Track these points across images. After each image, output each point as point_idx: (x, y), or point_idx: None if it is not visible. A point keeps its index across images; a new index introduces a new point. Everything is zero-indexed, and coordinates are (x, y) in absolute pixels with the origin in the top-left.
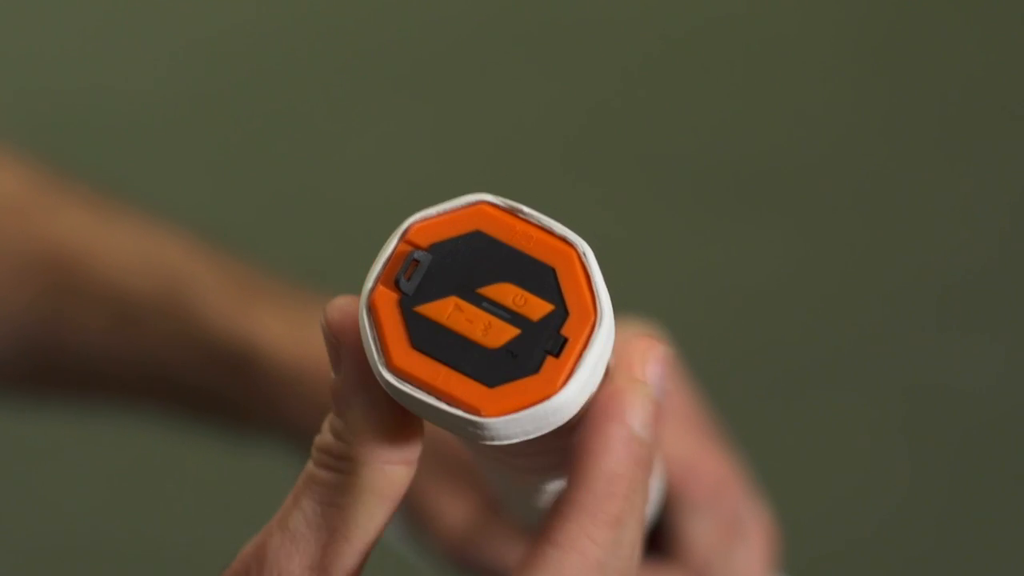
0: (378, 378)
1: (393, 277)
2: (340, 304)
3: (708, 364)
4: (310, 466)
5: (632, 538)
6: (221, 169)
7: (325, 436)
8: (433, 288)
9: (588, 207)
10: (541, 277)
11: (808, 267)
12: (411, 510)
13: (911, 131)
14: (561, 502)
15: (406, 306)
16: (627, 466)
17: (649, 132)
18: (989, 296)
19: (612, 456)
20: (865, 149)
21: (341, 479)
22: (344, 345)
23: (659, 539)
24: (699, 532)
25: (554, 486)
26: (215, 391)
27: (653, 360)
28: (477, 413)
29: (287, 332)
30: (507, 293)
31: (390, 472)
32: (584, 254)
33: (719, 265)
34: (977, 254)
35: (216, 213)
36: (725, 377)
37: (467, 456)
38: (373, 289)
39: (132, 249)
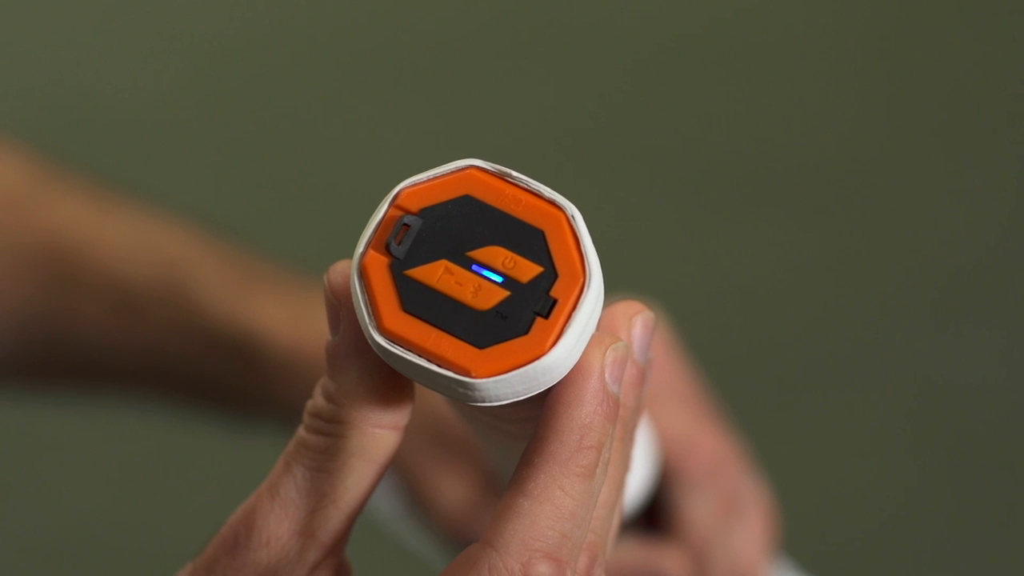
0: (369, 341)
1: (384, 242)
2: (341, 268)
3: (712, 361)
4: (301, 432)
5: (608, 499)
6: (224, 163)
7: (317, 400)
8: (423, 252)
9: (592, 205)
10: (530, 240)
11: (813, 263)
12: (410, 490)
13: (914, 128)
14: (532, 453)
15: (397, 270)
16: (599, 419)
17: (653, 130)
18: (993, 291)
19: (584, 409)
20: (868, 146)
21: (331, 443)
22: (344, 307)
23: (657, 517)
24: (697, 510)
25: None
26: (216, 377)
27: (638, 323)
28: (467, 374)
29: (287, 318)
30: (497, 256)
31: (379, 436)
32: (573, 217)
33: (722, 263)
34: (981, 250)
35: (219, 207)
36: (730, 374)
37: (465, 435)
38: (364, 254)
39: (131, 238)
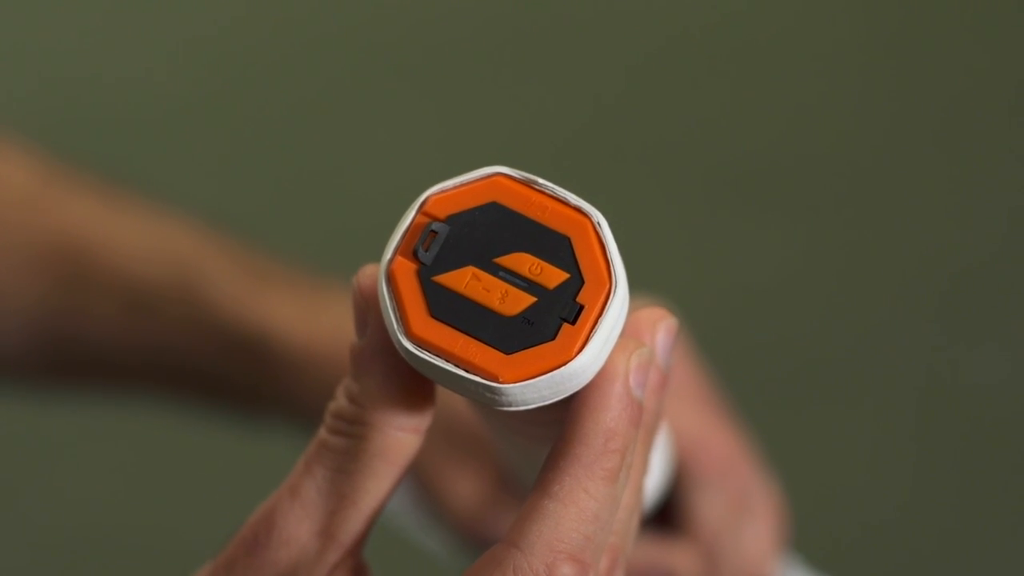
0: (397, 346)
1: (412, 248)
2: (370, 271)
3: (715, 362)
4: (322, 433)
5: (629, 502)
6: (235, 162)
7: (340, 401)
8: (451, 258)
9: (597, 205)
10: (557, 246)
11: (820, 263)
12: (423, 488)
13: (921, 129)
14: (557, 456)
15: (424, 276)
16: (624, 424)
17: (655, 130)
18: (1001, 291)
19: (610, 413)
20: (876, 147)
21: (352, 444)
22: (372, 311)
23: (668, 514)
24: (708, 507)
25: None
26: (227, 375)
27: (662, 329)
28: (495, 379)
29: (298, 316)
30: (523, 262)
31: (401, 439)
32: (599, 224)
33: (725, 264)
34: (986, 253)
35: (230, 206)
36: (739, 373)
37: (478, 434)
38: (392, 260)
39: (142, 237)
